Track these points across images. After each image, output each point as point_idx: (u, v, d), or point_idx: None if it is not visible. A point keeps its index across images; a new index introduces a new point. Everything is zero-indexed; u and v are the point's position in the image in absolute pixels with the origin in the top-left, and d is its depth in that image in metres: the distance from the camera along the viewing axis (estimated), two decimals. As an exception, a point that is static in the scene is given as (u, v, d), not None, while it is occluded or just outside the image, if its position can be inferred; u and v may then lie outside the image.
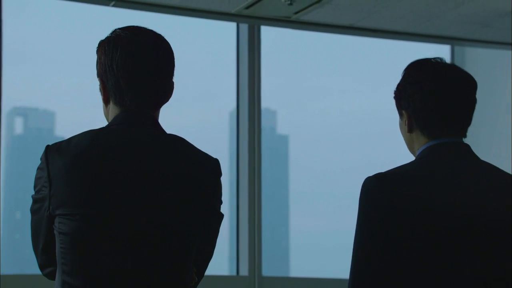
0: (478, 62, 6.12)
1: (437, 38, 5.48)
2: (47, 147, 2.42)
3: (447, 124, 2.55)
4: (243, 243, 5.72)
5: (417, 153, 2.58)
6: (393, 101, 2.70)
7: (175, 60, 2.56)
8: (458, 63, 6.22)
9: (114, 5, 4.92)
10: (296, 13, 5.07)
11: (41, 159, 2.42)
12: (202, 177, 2.46)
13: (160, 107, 2.52)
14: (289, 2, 4.83)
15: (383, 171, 2.52)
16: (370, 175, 2.50)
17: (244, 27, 5.63)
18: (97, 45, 2.52)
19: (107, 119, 2.52)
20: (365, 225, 2.46)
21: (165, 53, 2.52)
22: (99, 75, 2.50)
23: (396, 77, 2.68)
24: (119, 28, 2.51)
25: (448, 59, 6.25)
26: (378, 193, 2.44)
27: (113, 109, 2.49)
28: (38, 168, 2.43)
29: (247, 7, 4.98)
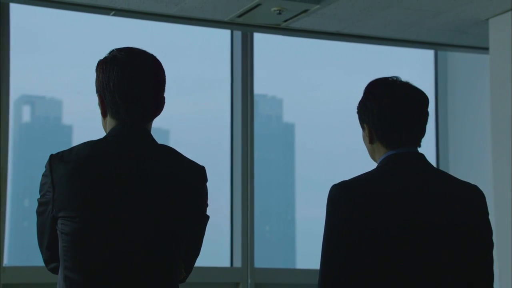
0: (460, 64, 6.28)
1: (418, 44, 5.69)
2: (51, 156, 2.65)
3: (403, 136, 2.78)
4: (237, 236, 5.83)
5: (378, 161, 2.81)
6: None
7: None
8: (440, 65, 6.36)
9: (114, 14, 5.08)
10: (285, 21, 5.23)
11: (45, 166, 2.65)
12: (189, 183, 2.70)
13: (153, 119, 2.76)
14: (278, 12, 5.00)
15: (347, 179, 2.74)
16: (336, 183, 2.72)
17: (238, 32, 5.78)
18: (96, 65, 2.75)
19: (105, 131, 2.76)
20: (331, 229, 2.68)
21: (157, 72, 2.75)
22: (98, 91, 2.73)
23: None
24: (116, 49, 2.75)
25: (431, 62, 6.42)
26: (343, 199, 2.67)
27: (110, 122, 2.73)
28: (43, 175, 2.66)
29: (239, 16, 5.15)
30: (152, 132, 2.78)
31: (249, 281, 5.72)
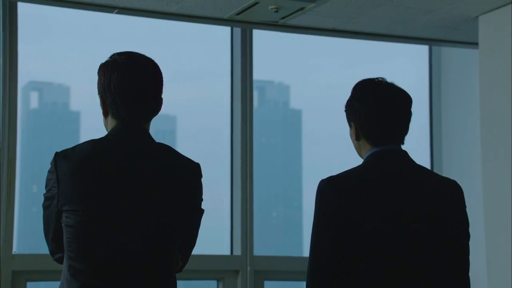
0: (454, 57, 6.36)
1: (411, 39, 5.80)
2: (56, 154, 2.81)
3: (387, 134, 2.92)
4: (237, 224, 5.88)
5: (364, 158, 2.97)
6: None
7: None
8: (435, 57, 6.45)
9: (117, 12, 5.18)
10: (283, 18, 5.34)
11: (51, 163, 2.81)
12: (185, 179, 2.85)
13: (151, 119, 2.91)
14: (275, 10, 5.12)
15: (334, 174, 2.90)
16: (324, 177, 2.88)
17: (237, 29, 5.85)
18: (98, 68, 2.90)
19: (106, 130, 2.91)
20: (319, 219, 2.84)
21: (155, 74, 2.89)
22: (100, 92, 2.88)
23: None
24: (116, 53, 2.89)
25: (426, 57, 6.47)
26: (330, 193, 2.82)
27: (111, 122, 2.88)
28: (49, 171, 2.82)
29: (238, 14, 5.26)
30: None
31: (248, 268, 5.79)
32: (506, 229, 5.19)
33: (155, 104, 2.90)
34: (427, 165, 6.13)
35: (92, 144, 2.82)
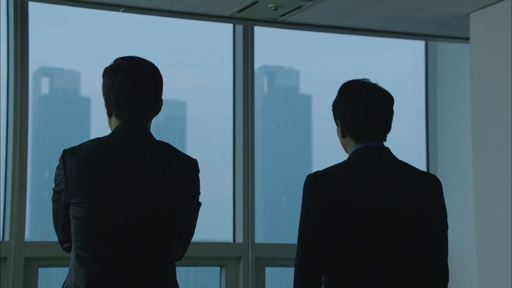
0: (449, 51, 6.49)
1: (406, 35, 5.95)
2: (64, 151, 2.98)
3: (370, 132, 3.09)
4: (239, 212, 5.97)
5: (349, 153, 3.14)
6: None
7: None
8: (430, 54, 6.58)
9: (123, 11, 5.31)
10: (282, 15, 5.50)
11: (59, 160, 2.98)
12: (183, 174, 3.02)
13: (152, 119, 3.08)
14: (274, 8, 5.28)
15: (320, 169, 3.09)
16: (310, 173, 3.07)
17: (239, 25, 5.99)
18: (102, 71, 3.08)
19: (111, 128, 3.09)
20: (306, 210, 3.03)
21: (155, 77, 3.06)
22: (104, 94, 3.06)
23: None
24: (119, 58, 3.07)
25: (422, 52, 6.53)
26: (315, 187, 3.01)
27: (115, 121, 3.05)
28: (57, 167, 2.99)
29: (239, 11, 5.41)
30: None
31: (249, 255, 5.89)
32: (497, 220, 5.29)
33: (155, 104, 3.07)
34: (423, 156, 6.19)
35: (97, 142, 2.99)
